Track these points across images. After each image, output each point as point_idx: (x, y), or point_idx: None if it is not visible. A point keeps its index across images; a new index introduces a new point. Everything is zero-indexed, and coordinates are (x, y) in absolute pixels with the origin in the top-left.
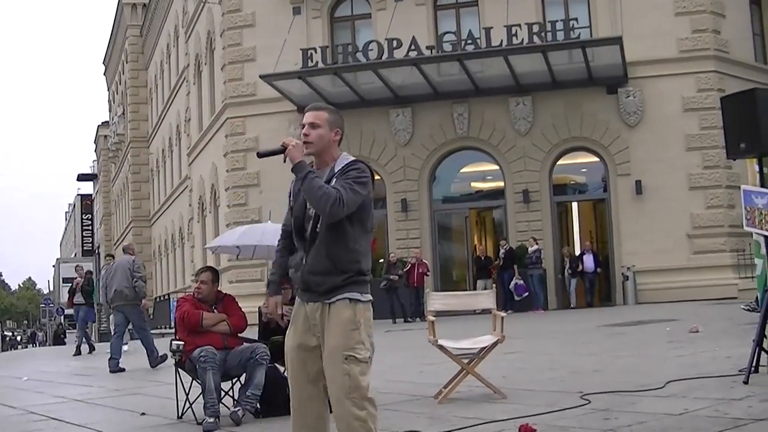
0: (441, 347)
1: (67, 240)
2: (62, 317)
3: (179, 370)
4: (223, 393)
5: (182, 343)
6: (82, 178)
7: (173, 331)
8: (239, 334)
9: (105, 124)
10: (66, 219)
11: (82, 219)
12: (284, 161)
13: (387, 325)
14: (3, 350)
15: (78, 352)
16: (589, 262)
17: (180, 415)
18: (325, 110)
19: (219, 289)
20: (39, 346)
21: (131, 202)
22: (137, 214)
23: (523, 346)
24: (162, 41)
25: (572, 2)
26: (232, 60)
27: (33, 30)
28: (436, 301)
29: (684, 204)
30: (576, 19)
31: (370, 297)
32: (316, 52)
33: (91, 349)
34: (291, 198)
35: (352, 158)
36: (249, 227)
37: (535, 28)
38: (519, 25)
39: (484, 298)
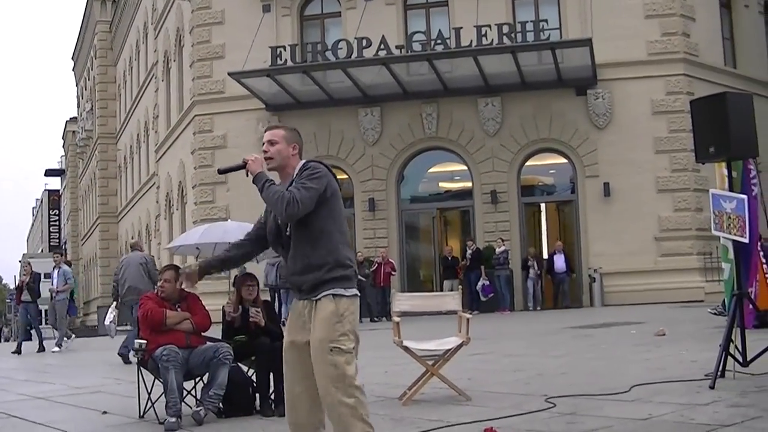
0: (406, 348)
1: (34, 235)
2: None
3: (141, 368)
4: (185, 392)
5: (145, 341)
6: (49, 173)
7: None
8: (203, 333)
9: (73, 119)
10: (33, 214)
11: (49, 214)
12: (246, 176)
13: None
14: None
15: (18, 350)
16: (560, 262)
17: (142, 414)
18: (282, 128)
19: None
20: (4, 341)
21: (98, 198)
22: (104, 210)
23: (488, 347)
24: (131, 37)
25: (542, 3)
26: (201, 57)
27: (1, 24)
28: (401, 301)
29: (652, 206)
30: (546, 21)
31: (354, 291)
32: (285, 50)
33: (41, 347)
34: (264, 213)
35: (305, 160)
36: (210, 225)
37: (505, 29)
38: (489, 26)
39: (450, 299)
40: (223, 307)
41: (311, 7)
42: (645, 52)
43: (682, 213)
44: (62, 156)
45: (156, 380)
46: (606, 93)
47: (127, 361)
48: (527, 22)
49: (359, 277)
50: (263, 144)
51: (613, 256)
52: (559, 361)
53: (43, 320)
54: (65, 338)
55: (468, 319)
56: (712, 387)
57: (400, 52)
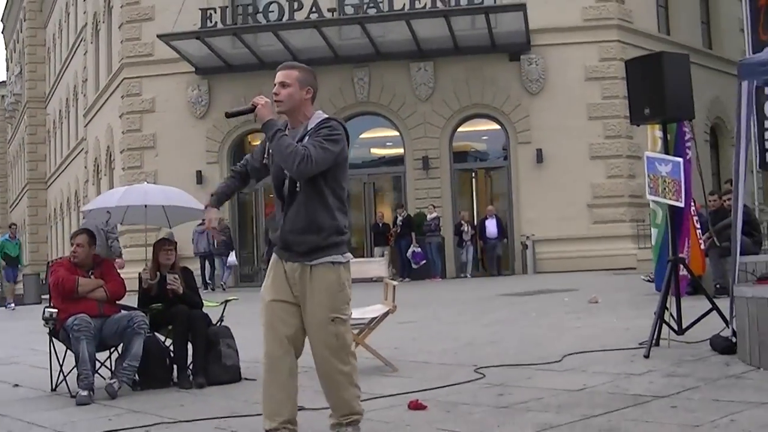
0: None
1: None
2: None
3: (53, 339)
4: (98, 363)
5: (55, 310)
6: None
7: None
8: (117, 302)
9: (2, 83)
10: None
11: None
12: (255, 121)
13: None
14: None
15: None
16: (492, 227)
17: (54, 387)
18: (296, 69)
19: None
20: None
21: (27, 164)
22: (33, 176)
23: (417, 315)
24: None
25: None
26: (130, 19)
27: None
28: None
29: (584, 173)
30: None
31: (350, 256)
32: (215, 12)
33: None
34: (267, 156)
35: (326, 116)
36: (129, 188)
37: None
38: None
39: (376, 265)
40: (140, 273)
41: None
42: (579, 18)
43: (615, 180)
44: None
45: (68, 351)
46: (539, 59)
47: None
48: None
49: None
50: (274, 85)
51: (545, 222)
52: (490, 330)
53: None
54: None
55: (394, 287)
56: (647, 356)
57: (332, 15)
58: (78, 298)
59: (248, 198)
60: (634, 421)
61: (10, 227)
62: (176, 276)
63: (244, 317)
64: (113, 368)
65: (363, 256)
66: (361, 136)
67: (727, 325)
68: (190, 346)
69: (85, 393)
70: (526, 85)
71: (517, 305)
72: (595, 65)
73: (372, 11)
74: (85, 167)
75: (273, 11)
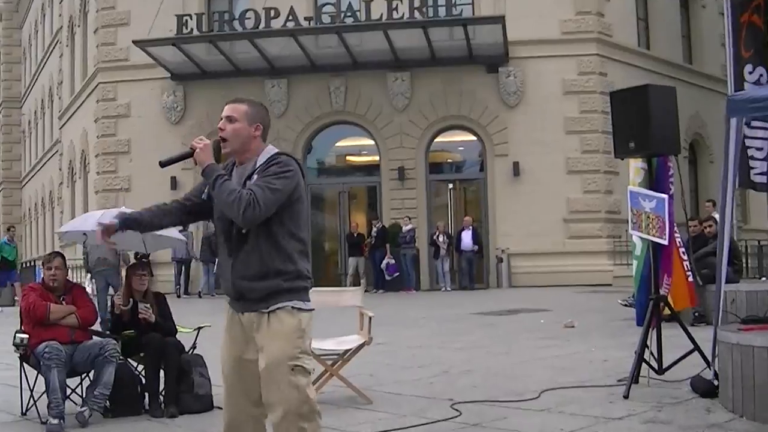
0: None
1: None
2: None
3: (24, 363)
4: (69, 390)
5: (26, 336)
6: None
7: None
8: (89, 327)
9: None
10: None
11: None
12: (195, 164)
13: None
14: None
15: None
16: (467, 239)
17: (24, 411)
18: (245, 103)
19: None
20: None
21: (2, 164)
22: (8, 175)
23: (391, 336)
24: (37, 0)
25: None
26: (106, 23)
27: None
28: None
29: (561, 188)
30: None
31: (312, 305)
32: (191, 18)
33: None
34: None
35: (276, 151)
36: (106, 212)
37: (416, 3)
38: (400, 0)
39: (350, 295)
40: (112, 298)
41: None
42: (558, 31)
43: (592, 195)
44: None
45: (39, 375)
46: (517, 71)
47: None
48: None
49: None
50: (220, 119)
51: (521, 236)
52: (464, 355)
53: None
54: None
55: (370, 318)
56: (626, 396)
57: (309, 23)
58: (49, 325)
59: None
60: None
61: (8, 230)
62: (148, 306)
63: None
64: (84, 395)
65: (337, 266)
66: (337, 144)
67: (709, 367)
68: (162, 373)
69: (55, 421)
70: (504, 98)
71: (491, 327)
72: (573, 79)
73: (349, 20)
74: (60, 169)
75: (249, 18)
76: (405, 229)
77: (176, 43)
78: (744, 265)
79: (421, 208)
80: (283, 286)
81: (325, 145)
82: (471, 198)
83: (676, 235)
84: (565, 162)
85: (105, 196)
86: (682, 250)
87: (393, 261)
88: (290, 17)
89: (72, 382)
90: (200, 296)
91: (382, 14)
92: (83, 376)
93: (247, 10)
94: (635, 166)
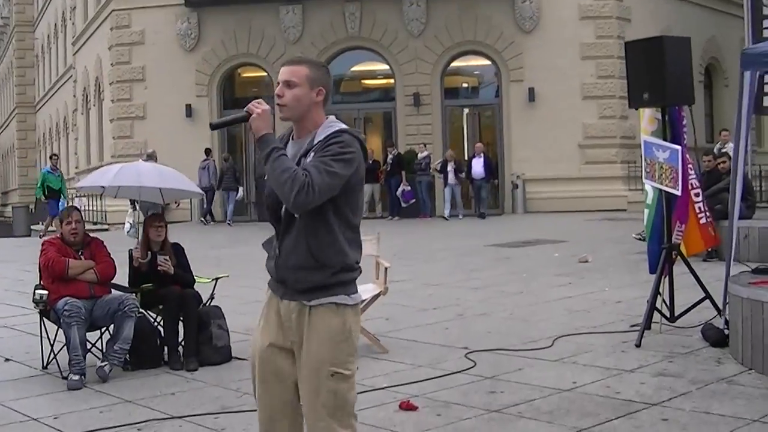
0: None
1: None
2: None
3: (44, 318)
4: (90, 344)
5: (46, 292)
6: None
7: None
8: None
9: None
10: None
11: None
12: (250, 130)
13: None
14: None
15: None
16: (478, 166)
17: (45, 365)
18: (306, 64)
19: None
20: None
21: (16, 88)
22: (22, 100)
23: (408, 272)
24: None
25: None
26: None
27: None
28: None
29: (576, 113)
30: None
31: (359, 297)
32: None
33: None
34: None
35: (339, 126)
36: (124, 166)
37: None
38: None
39: (368, 244)
40: (130, 251)
41: None
42: None
43: (608, 120)
44: None
45: (59, 329)
46: None
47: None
48: None
49: None
50: (277, 84)
51: (536, 162)
52: (480, 296)
53: None
54: None
55: (386, 268)
56: (638, 345)
57: None
58: (68, 280)
59: (237, 131)
60: None
61: (50, 158)
62: (167, 258)
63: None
64: (104, 350)
65: None
66: (352, 69)
67: (720, 315)
68: (181, 325)
69: (76, 378)
70: (520, 23)
71: (507, 262)
72: (589, 4)
73: None
74: (74, 96)
75: None
76: (420, 155)
77: None
78: (756, 200)
79: (437, 134)
80: (330, 280)
81: (341, 71)
82: (486, 124)
83: (691, 176)
84: (580, 87)
85: (120, 124)
86: (695, 192)
87: (409, 188)
88: None
89: (92, 336)
90: (230, 224)
91: None
92: (103, 330)
93: None
94: (649, 115)
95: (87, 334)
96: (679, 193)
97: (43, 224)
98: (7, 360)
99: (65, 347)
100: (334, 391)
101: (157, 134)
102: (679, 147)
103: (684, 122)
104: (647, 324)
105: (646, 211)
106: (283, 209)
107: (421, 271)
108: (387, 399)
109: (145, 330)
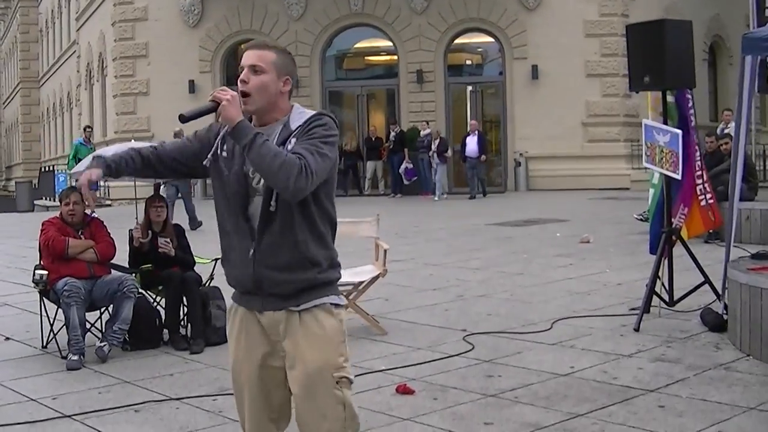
0: None
1: None
2: None
3: (43, 298)
4: (89, 324)
5: (45, 272)
6: None
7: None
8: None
9: None
10: None
11: None
12: (217, 120)
13: None
14: None
15: None
16: (472, 144)
17: (44, 344)
18: (273, 49)
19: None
20: None
21: (20, 63)
22: (26, 75)
23: (407, 252)
24: None
25: None
26: None
27: None
28: None
29: (580, 91)
30: None
31: (344, 299)
32: None
33: None
34: (216, 156)
35: (313, 111)
36: (118, 147)
37: None
38: None
39: (367, 226)
40: (130, 231)
41: None
42: None
43: (611, 98)
44: None
45: (59, 309)
46: None
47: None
48: None
49: None
50: (241, 69)
51: (539, 140)
52: (480, 277)
53: None
54: None
55: (385, 250)
56: (636, 329)
57: None
58: (68, 259)
59: None
60: (621, 426)
61: (84, 130)
62: (168, 240)
63: None
64: (103, 330)
65: (356, 170)
66: (356, 45)
67: (719, 299)
68: (184, 307)
69: (75, 357)
70: (523, 0)
71: (508, 242)
72: None
73: None
74: (78, 71)
75: None
76: (423, 133)
77: None
78: (759, 181)
79: (440, 111)
80: (319, 278)
81: (344, 48)
82: (489, 101)
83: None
84: (584, 65)
85: (123, 100)
86: (697, 174)
87: (411, 165)
88: None
89: (91, 316)
90: None
91: None
92: (102, 310)
93: None
94: (655, 95)
95: (86, 314)
96: (679, 177)
97: (46, 199)
98: (7, 339)
99: (65, 327)
100: (342, 400)
101: (160, 110)
102: (679, 131)
103: (690, 104)
104: (646, 308)
105: (651, 190)
106: (260, 206)
107: (421, 250)
108: (384, 382)
109: (145, 311)
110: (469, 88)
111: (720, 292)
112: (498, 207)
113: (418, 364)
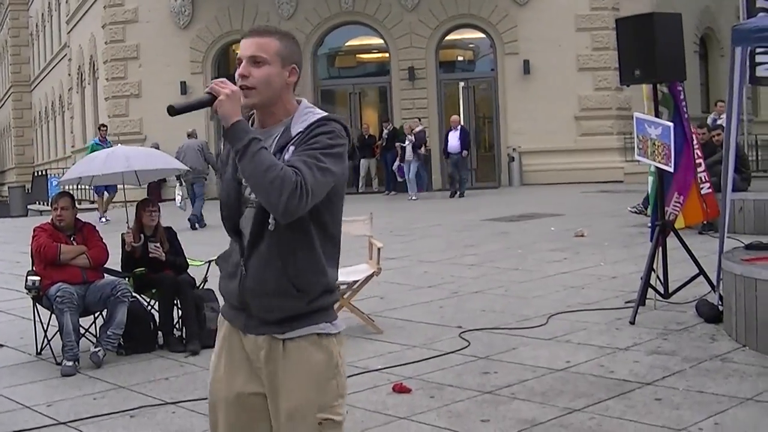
0: None
1: None
2: None
3: (36, 304)
4: (83, 329)
5: (38, 278)
6: None
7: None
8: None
9: None
10: None
11: None
12: (212, 117)
13: None
14: None
15: None
16: (454, 140)
17: (39, 350)
18: (276, 36)
19: (78, 216)
20: None
21: (11, 67)
22: (17, 78)
23: (402, 249)
24: None
25: None
26: None
27: None
28: None
29: (572, 85)
30: None
31: (342, 324)
32: None
33: None
34: (221, 163)
35: (320, 113)
36: (112, 151)
37: None
38: None
39: (360, 224)
40: (123, 235)
41: None
42: None
43: (603, 92)
44: None
45: (53, 315)
46: None
47: (194, 227)
48: None
49: None
50: (239, 61)
51: (532, 134)
52: (475, 273)
53: None
54: None
55: (379, 249)
56: (632, 322)
57: None
58: (61, 265)
59: None
60: (618, 420)
61: (99, 129)
62: (158, 245)
63: None
64: (97, 335)
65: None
66: (347, 44)
67: (714, 290)
68: (177, 310)
69: (70, 363)
70: None
71: (503, 237)
72: None
73: None
74: (69, 74)
75: None
76: (416, 130)
77: None
78: (752, 172)
79: (432, 108)
80: (309, 307)
81: (335, 46)
82: (482, 97)
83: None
84: (575, 59)
85: (115, 102)
86: (698, 162)
87: (404, 163)
88: None
89: (85, 321)
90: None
91: None
92: (96, 315)
93: None
94: (649, 90)
95: (80, 319)
96: (671, 169)
97: (39, 203)
98: (1, 346)
99: (59, 333)
100: None
101: (152, 112)
102: (670, 124)
103: (682, 96)
104: (641, 301)
105: (650, 178)
106: (251, 221)
107: (416, 247)
108: (380, 381)
109: (139, 314)
110: (461, 84)
111: (715, 284)
112: (493, 202)
113: (414, 362)
